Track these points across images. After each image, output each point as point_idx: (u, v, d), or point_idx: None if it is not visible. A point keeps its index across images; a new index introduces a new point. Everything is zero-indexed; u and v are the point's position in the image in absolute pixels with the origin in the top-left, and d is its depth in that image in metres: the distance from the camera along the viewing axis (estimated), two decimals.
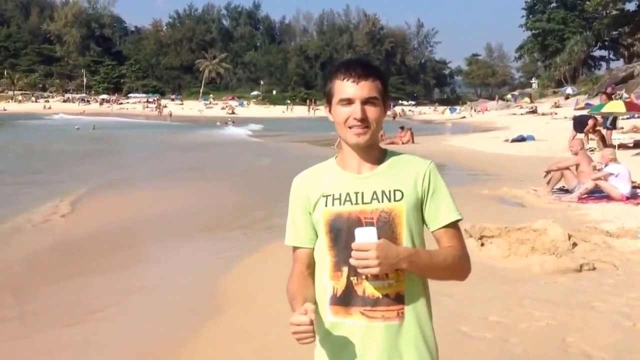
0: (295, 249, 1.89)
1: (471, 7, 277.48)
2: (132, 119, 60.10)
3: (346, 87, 1.78)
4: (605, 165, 10.00)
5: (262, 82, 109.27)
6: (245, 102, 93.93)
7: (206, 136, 34.65)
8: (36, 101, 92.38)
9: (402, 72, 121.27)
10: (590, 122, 18.35)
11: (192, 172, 16.74)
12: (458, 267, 1.81)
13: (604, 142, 17.56)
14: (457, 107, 78.35)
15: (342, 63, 1.84)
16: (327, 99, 1.85)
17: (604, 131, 18.50)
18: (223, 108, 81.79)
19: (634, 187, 9.87)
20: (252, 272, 6.25)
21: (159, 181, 14.70)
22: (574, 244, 6.35)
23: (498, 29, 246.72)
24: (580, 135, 17.48)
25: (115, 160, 21.56)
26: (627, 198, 9.46)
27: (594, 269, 5.76)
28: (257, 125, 46.78)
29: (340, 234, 1.76)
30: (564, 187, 10.72)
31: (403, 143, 24.42)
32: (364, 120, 1.77)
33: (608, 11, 67.95)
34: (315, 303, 1.77)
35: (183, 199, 11.66)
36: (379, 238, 1.66)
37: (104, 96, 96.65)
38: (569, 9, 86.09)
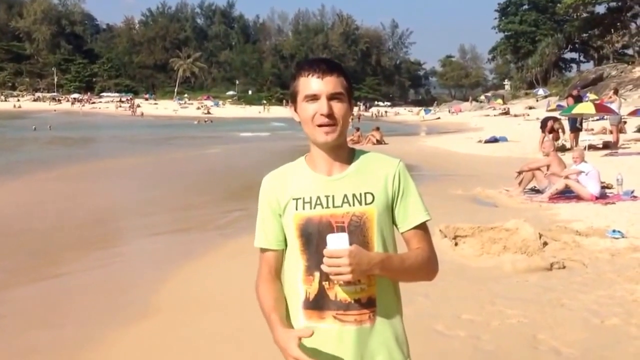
0: (263, 250, 1.86)
1: (444, 9, 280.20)
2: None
3: (311, 83, 1.74)
4: (577, 164, 10.19)
5: (237, 82, 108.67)
6: (220, 102, 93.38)
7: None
8: (6, 100, 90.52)
9: (377, 73, 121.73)
10: (549, 123, 18.75)
11: None
12: (428, 269, 1.82)
13: (573, 144, 17.96)
14: (431, 108, 79.01)
15: (305, 61, 1.82)
16: (292, 98, 1.82)
17: (567, 133, 18.97)
18: (198, 108, 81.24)
19: (602, 188, 10.09)
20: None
21: None
22: (545, 243, 6.49)
23: (471, 31, 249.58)
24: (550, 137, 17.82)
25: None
26: (597, 198, 9.65)
27: (564, 267, 5.88)
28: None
29: (312, 238, 1.74)
30: (535, 187, 10.92)
31: (373, 144, 24.17)
32: (330, 116, 1.73)
33: (578, 14, 69.11)
34: (288, 316, 1.77)
35: None
36: (350, 243, 1.63)
37: (76, 95, 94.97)
38: (541, 12, 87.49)
